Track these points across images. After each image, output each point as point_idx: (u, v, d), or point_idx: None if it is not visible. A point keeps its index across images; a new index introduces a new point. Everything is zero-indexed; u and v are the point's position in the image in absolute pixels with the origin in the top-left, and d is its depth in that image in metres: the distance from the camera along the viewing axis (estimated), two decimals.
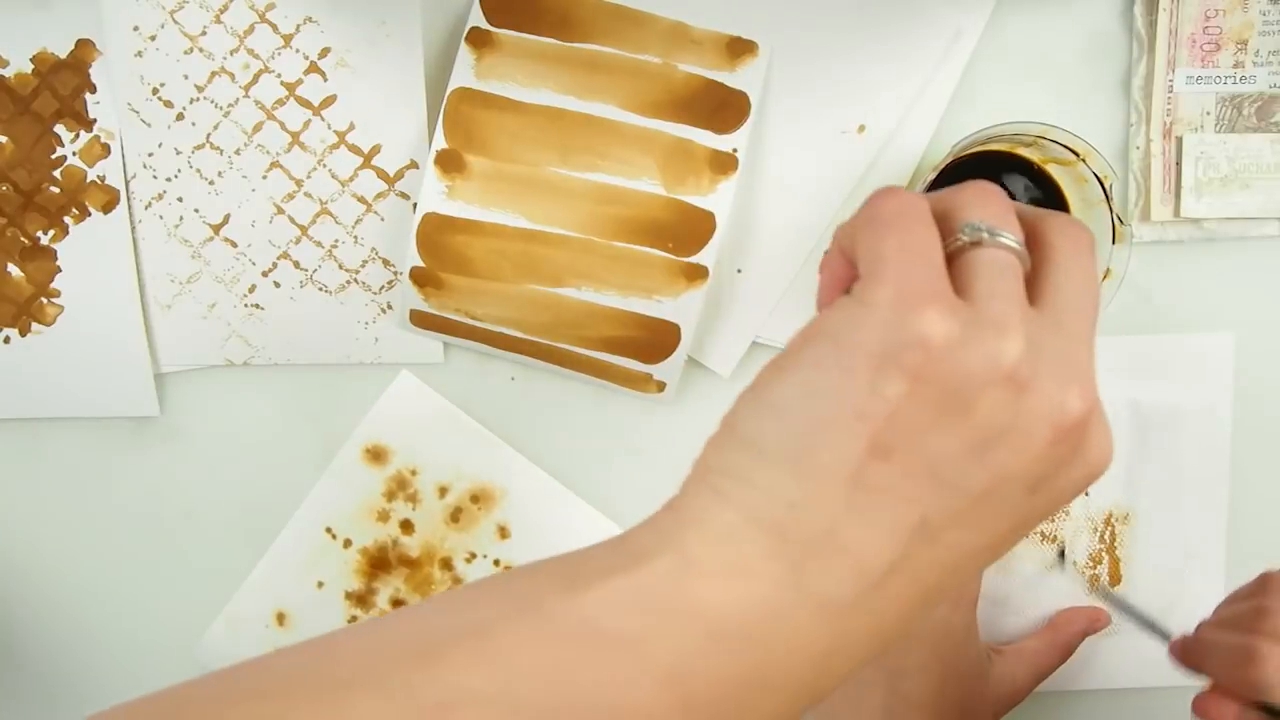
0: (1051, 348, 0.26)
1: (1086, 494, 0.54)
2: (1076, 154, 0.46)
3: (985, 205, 0.28)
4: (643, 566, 0.25)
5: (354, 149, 0.52)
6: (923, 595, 0.26)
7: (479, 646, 0.24)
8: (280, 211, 0.53)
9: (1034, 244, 0.29)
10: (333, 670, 0.24)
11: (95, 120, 0.52)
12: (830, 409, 0.25)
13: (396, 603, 0.55)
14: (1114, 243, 0.46)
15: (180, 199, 0.53)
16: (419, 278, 0.51)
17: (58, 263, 0.53)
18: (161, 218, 0.53)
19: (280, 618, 0.55)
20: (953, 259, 0.27)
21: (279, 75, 0.51)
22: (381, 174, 0.52)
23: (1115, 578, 0.54)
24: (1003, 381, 0.25)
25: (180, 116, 0.52)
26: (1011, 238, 0.27)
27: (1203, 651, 0.45)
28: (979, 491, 0.26)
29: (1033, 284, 0.28)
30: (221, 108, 0.52)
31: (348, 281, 0.53)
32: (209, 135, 0.52)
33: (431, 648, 0.24)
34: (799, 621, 0.25)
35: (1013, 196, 0.50)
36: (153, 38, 0.51)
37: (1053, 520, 0.54)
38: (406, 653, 0.24)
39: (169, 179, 0.53)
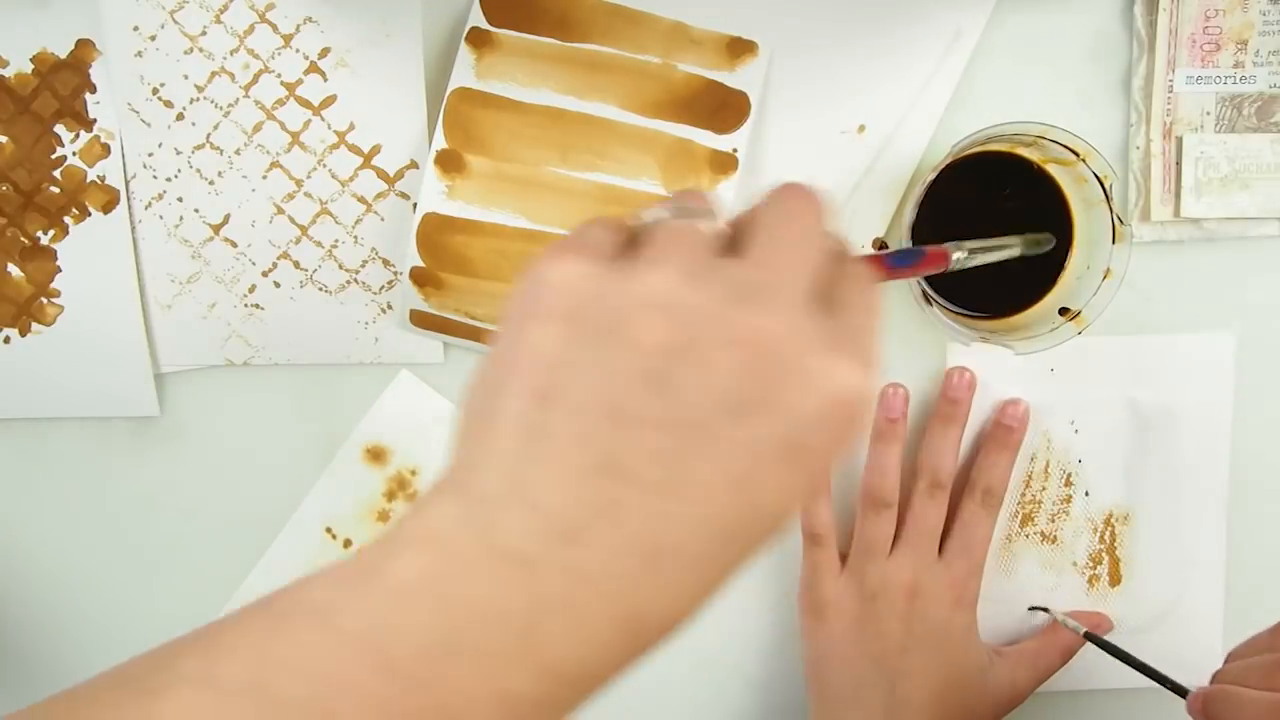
0: (728, 277, 0.26)
1: (1087, 494, 0.54)
2: (1076, 154, 0.46)
3: (674, 199, 0.30)
4: (369, 550, 0.26)
5: (354, 149, 0.52)
6: (646, 548, 0.25)
7: (203, 634, 0.25)
8: (280, 211, 0.53)
9: (743, 222, 0.29)
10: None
11: (95, 120, 0.52)
12: (497, 370, 0.26)
13: None
14: (1114, 243, 0.47)
15: (180, 199, 0.53)
16: (419, 277, 0.51)
17: (58, 263, 0.53)
18: (161, 218, 0.53)
19: None
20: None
21: (279, 75, 0.52)
22: (381, 174, 0.52)
23: (1115, 578, 0.54)
24: (657, 309, 0.25)
25: (180, 116, 0.52)
26: (689, 208, 0.29)
27: (1234, 707, 0.43)
28: (668, 421, 0.25)
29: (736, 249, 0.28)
30: (221, 108, 0.52)
31: (348, 281, 0.53)
32: (209, 135, 0.52)
33: (166, 646, 0.25)
34: (490, 581, 0.24)
35: (1013, 196, 0.50)
36: (153, 38, 0.51)
37: (1053, 520, 0.54)
38: (143, 657, 0.25)
39: (169, 179, 0.53)
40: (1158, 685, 0.48)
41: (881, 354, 0.29)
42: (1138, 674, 0.53)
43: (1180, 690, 0.46)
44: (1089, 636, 0.51)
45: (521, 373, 0.26)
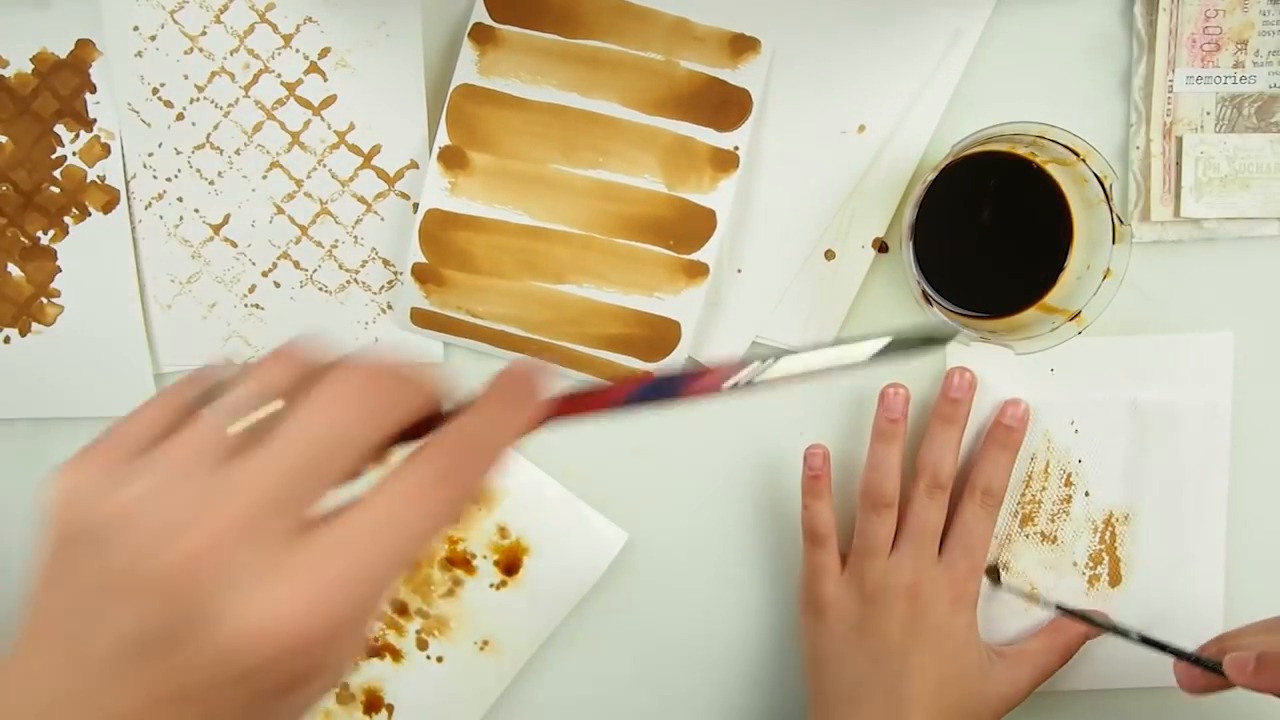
0: (188, 496, 0.25)
1: (1087, 494, 0.54)
2: (1076, 154, 0.46)
3: (267, 366, 0.28)
4: None
5: (354, 149, 0.52)
6: None
7: None
8: (280, 211, 0.53)
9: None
10: None
11: (95, 120, 0.52)
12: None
13: (396, 604, 0.55)
14: (1114, 243, 0.47)
15: (180, 199, 0.53)
16: (421, 274, 0.51)
17: (58, 263, 0.53)
18: (161, 218, 0.53)
19: None
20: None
21: (279, 75, 0.52)
22: (381, 174, 0.52)
23: (1115, 578, 0.54)
24: (118, 528, 0.25)
25: (180, 116, 0.52)
26: (252, 392, 0.27)
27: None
28: (93, 653, 0.24)
29: None
30: (221, 108, 0.52)
31: (348, 281, 0.53)
32: (209, 135, 0.52)
33: None
34: None
35: (1013, 197, 0.50)
36: (153, 38, 0.51)
37: (1053, 520, 0.54)
38: None
39: (169, 179, 0.53)
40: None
41: (363, 592, 0.25)
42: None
43: (1191, 657, 0.46)
44: (1063, 610, 0.52)
45: (30, 577, 0.26)
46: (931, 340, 0.31)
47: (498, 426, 0.28)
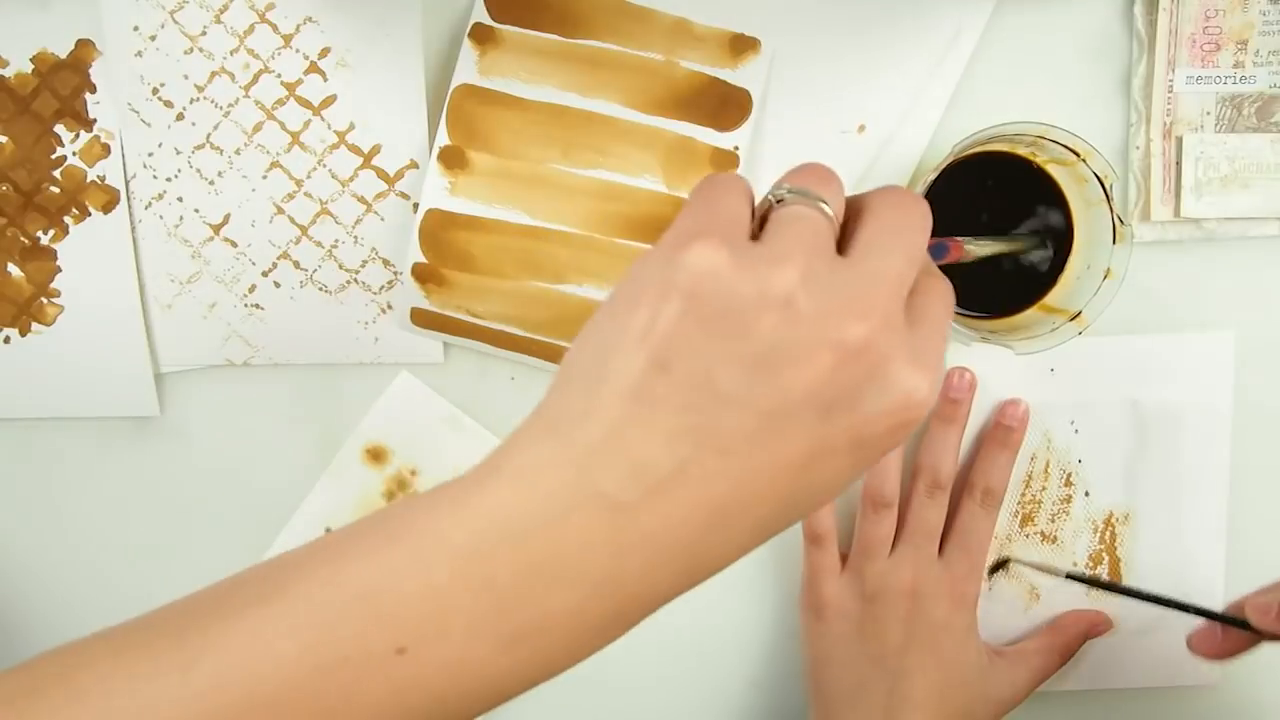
0: (841, 282, 0.28)
1: (1087, 494, 0.54)
2: (1076, 154, 0.46)
3: (802, 175, 0.31)
4: (465, 479, 0.29)
5: (354, 149, 0.52)
6: (719, 507, 0.28)
7: (321, 547, 0.29)
8: (280, 211, 0.53)
9: (854, 212, 0.31)
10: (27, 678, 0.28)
11: (95, 120, 0.52)
12: (618, 331, 0.29)
13: None
14: (1114, 243, 0.47)
15: (180, 199, 0.53)
16: (421, 274, 0.51)
17: (58, 263, 0.53)
18: (161, 218, 0.53)
19: None
20: (764, 218, 0.30)
21: (279, 75, 0.52)
22: (381, 174, 0.52)
23: (1115, 578, 0.54)
24: (777, 306, 0.27)
25: (180, 116, 0.52)
26: (813, 195, 0.30)
27: None
28: (765, 408, 0.28)
29: (846, 239, 0.30)
30: (221, 108, 0.52)
31: (348, 281, 0.53)
32: (209, 135, 0.52)
33: (282, 558, 0.29)
34: (584, 518, 0.28)
35: (1013, 197, 0.50)
36: (153, 38, 0.51)
37: (1053, 520, 0.54)
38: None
39: (169, 179, 0.53)
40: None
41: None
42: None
43: (1211, 613, 0.47)
44: (1072, 577, 0.52)
45: (639, 339, 0.28)
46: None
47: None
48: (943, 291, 0.31)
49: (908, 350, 0.28)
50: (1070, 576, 0.52)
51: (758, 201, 0.32)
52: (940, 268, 0.34)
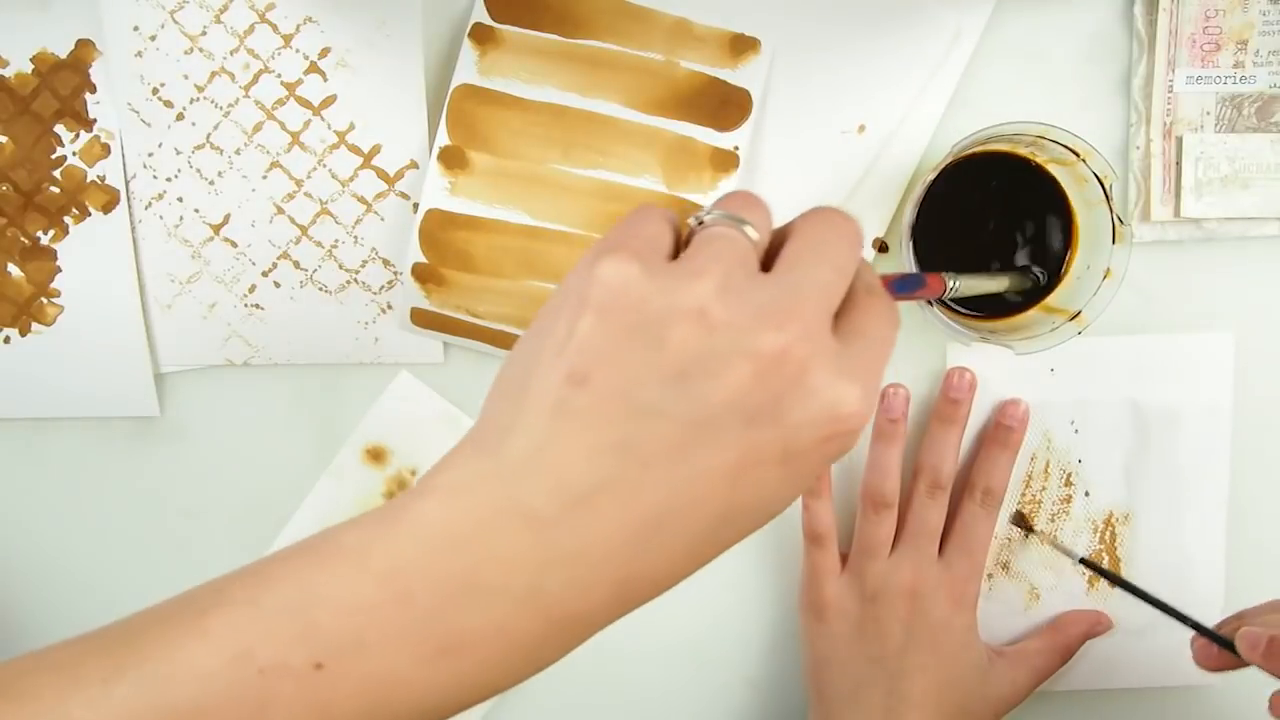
0: (759, 294, 0.28)
1: (1087, 494, 0.54)
2: (1076, 154, 0.46)
3: (727, 200, 0.31)
4: (396, 500, 0.29)
5: (354, 149, 0.52)
6: (646, 521, 0.28)
7: (251, 569, 0.29)
8: (280, 211, 0.53)
9: (782, 236, 0.31)
10: None
11: (95, 120, 0.52)
12: (539, 347, 0.29)
13: None
14: (1114, 243, 0.47)
15: (180, 199, 0.53)
16: (421, 274, 0.51)
17: (58, 263, 0.53)
18: (161, 218, 0.53)
19: None
20: (688, 241, 0.31)
21: (279, 75, 0.52)
22: (381, 174, 0.52)
23: None
24: (690, 317, 0.27)
25: (180, 116, 0.52)
26: (735, 218, 0.30)
27: None
28: (686, 419, 0.27)
29: (772, 260, 0.30)
30: (221, 108, 0.52)
31: (348, 281, 0.53)
32: (209, 135, 0.52)
33: (217, 580, 0.29)
34: (505, 534, 0.27)
35: (1013, 197, 0.50)
36: (153, 38, 0.51)
37: (1053, 520, 0.54)
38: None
39: (169, 179, 0.53)
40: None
41: (882, 381, 0.31)
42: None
43: (1205, 630, 0.46)
44: (1085, 563, 0.53)
45: (559, 354, 0.28)
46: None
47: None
48: (881, 310, 0.31)
49: (834, 361, 0.28)
50: (1083, 561, 0.52)
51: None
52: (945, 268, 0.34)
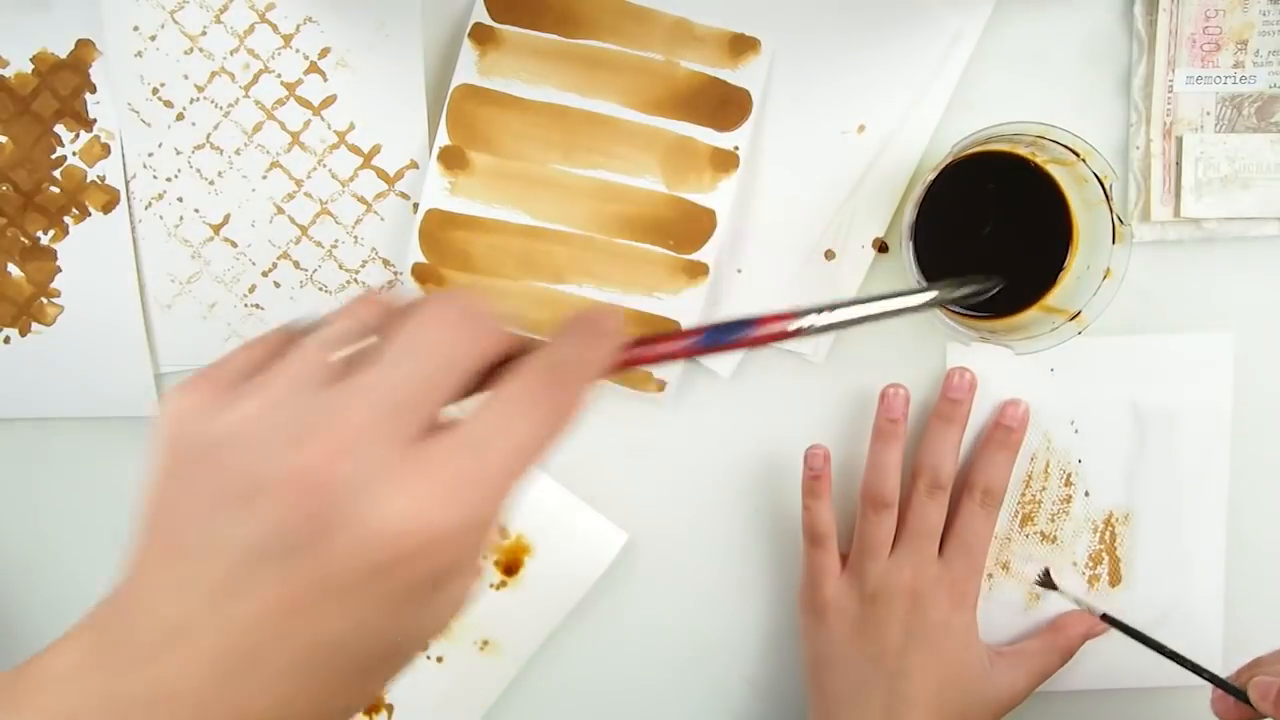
0: (309, 406, 0.26)
1: (1087, 494, 0.54)
2: (1076, 154, 0.46)
3: (349, 311, 0.29)
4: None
5: (354, 149, 0.52)
6: (224, 664, 0.25)
7: None
8: (280, 211, 0.53)
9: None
10: None
11: (95, 120, 0.52)
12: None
13: None
14: (1114, 243, 0.47)
15: (180, 199, 0.53)
16: (421, 274, 0.51)
17: (58, 263, 0.53)
18: (161, 218, 0.53)
19: None
20: None
21: (279, 75, 0.52)
22: (381, 174, 0.52)
23: (1115, 578, 0.54)
24: (235, 440, 0.26)
25: (180, 116, 0.52)
26: (342, 328, 0.28)
27: None
28: (238, 549, 0.25)
29: None
30: (221, 108, 0.52)
31: (348, 281, 0.53)
32: (209, 135, 0.52)
33: None
34: (82, 687, 0.26)
35: (1013, 197, 0.50)
36: (153, 38, 0.51)
37: (1053, 520, 0.54)
38: None
39: (169, 179, 0.53)
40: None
41: (495, 489, 0.27)
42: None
43: (1208, 674, 0.46)
44: (1107, 619, 0.52)
45: (140, 503, 0.27)
46: (972, 293, 0.42)
47: (582, 356, 0.29)
48: (509, 397, 0.27)
49: (392, 472, 0.25)
50: (1105, 618, 0.52)
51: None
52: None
